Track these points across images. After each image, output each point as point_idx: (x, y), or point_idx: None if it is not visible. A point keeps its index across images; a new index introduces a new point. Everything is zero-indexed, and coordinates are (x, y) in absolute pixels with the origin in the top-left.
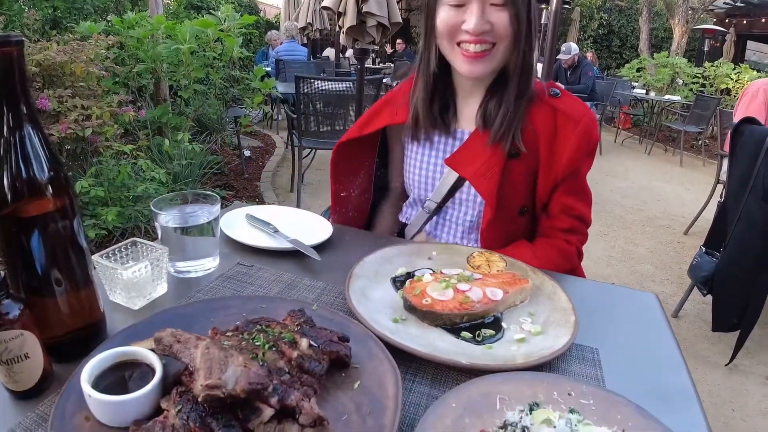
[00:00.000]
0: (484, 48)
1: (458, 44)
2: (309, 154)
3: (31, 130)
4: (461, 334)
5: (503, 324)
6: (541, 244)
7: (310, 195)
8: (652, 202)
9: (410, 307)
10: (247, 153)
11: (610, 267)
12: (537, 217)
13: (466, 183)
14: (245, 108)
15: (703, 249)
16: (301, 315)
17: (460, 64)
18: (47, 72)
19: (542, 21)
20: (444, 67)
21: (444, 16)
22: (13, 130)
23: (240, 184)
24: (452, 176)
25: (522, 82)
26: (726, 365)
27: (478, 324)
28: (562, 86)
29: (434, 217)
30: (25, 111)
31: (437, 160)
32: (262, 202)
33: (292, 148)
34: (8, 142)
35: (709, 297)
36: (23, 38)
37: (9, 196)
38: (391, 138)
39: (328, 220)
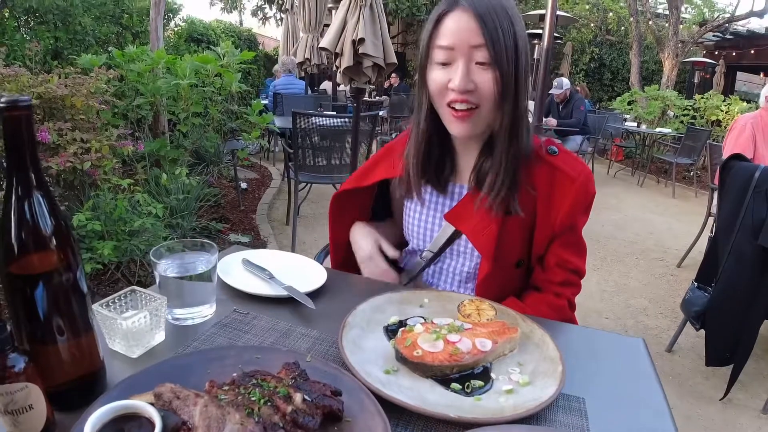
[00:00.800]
0: (469, 107)
1: (448, 105)
2: (305, 187)
3: (38, 195)
4: (451, 386)
5: (492, 374)
6: (531, 299)
7: (305, 228)
8: (644, 235)
9: (402, 359)
10: (243, 185)
11: (603, 301)
12: (532, 268)
13: (463, 236)
14: (243, 140)
15: (695, 284)
16: (295, 368)
17: (449, 124)
18: (47, 104)
19: (534, 56)
20: (440, 125)
21: (434, 75)
22: (20, 196)
23: (236, 217)
24: (450, 229)
25: (511, 143)
26: (720, 399)
27: (468, 374)
28: (560, 142)
29: (432, 266)
30: (32, 176)
31: (436, 213)
32: (257, 235)
33: (288, 181)
34: (15, 205)
35: (703, 331)
36: (32, 101)
37: (15, 254)
38: (393, 188)
39: (322, 262)
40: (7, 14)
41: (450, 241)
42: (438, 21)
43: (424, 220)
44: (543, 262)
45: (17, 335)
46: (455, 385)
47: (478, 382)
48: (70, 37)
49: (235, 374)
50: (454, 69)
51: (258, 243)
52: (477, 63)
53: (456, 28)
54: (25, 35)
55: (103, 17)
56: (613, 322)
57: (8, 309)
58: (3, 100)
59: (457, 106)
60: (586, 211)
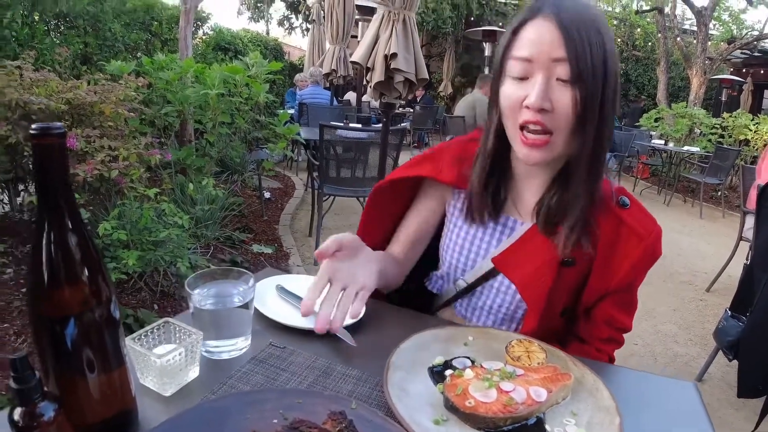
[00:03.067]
0: (543, 132)
1: (521, 128)
2: (328, 198)
3: (71, 232)
4: None
5: (547, 426)
6: (574, 351)
7: None
8: (672, 256)
9: (452, 408)
10: (267, 195)
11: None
12: (577, 317)
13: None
14: (268, 150)
15: (729, 312)
16: (342, 419)
17: (519, 149)
18: (76, 111)
19: None
20: (505, 146)
21: (507, 90)
22: (52, 230)
23: (259, 227)
24: (490, 264)
25: (588, 176)
26: None
27: (521, 426)
28: (633, 195)
29: (464, 299)
30: (64, 205)
31: (482, 243)
32: (280, 246)
33: (312, 192)
34: (46, 243)
35: (734, 361)
36: (65, 129)
37: (46, 295)
38: (423, 194)
39: None
40: (37, 18)
41: (487, 276)
42: (516, 30)
43: (467, 248)
44: (589, 315)
45: (44, 374)
46: None
47: None
48: (99, 42)
49: (275, 421)
50: (531, 84)
51: (281, 254)
52: (558, 80)
53: (536, 38)
54: (55, 39)
55: (132, 24)
56: (643, 348)
57: (36, 348)
58: (34, 126)
59: (531, 128)
60: (647, 271)
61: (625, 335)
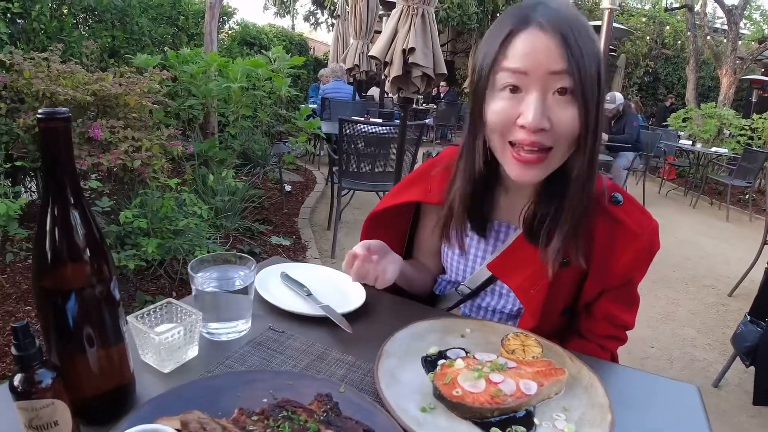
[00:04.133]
0: (538, 155)
1: (510, 143)
2: (347, 193)
3: (73, 210)
4: (491, 430)
5: (535, 420)
6: (575, 347)
7: (346, 234)
8: (695, 259)
9: (440, 396)
10: (288, 188)
11: (650, 328)
12: (578, 313)
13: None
14: (290, 144)
15: (748, 317)
16: (328, 400)
17: (510, 167)
18: (101, 102)
19: None
20: (491, 162)
21: (496, 106)
22: (56, 210)
23: (278, 219)
24: (488, 270)
25: (584, 191)
26: None
27: (510, 418)
28: (625, 190)
29: (469, 301)
30: (68, 187)
31: (478, 251)
32: (298, 239)
33: (332, 186)
34: (50, 219)
35: (752, 368)
36: (70, 114)
37: (48, 267)
38: (424, 217)
39: None
40: (65, 12)
41: (488, 282)
42: (506, 41)
43: (465, 256)
44: (589, 310)
45: (47, 346)
46: (495, 430)
47: (520, 428)
48: (126, 36)
49: (265, 400)
50: (526, 101)
51: (299, 247)
52: (555, 93)
53: (531, 49)
54: (83, 33)
55: (159, 18)
56: (659, 351)
57: (39, 321)
58: (41, 111)
59: (524, 154)
60: (646, 266)
61: (642, 339)
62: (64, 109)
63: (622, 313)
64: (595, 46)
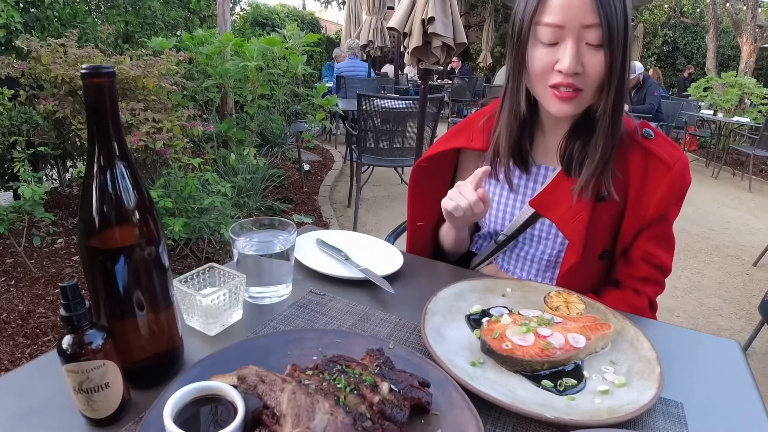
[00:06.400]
0: (573, 92)
1: (551, 86)
2: (367, 170)
3: (121, 167)
4: (542, 382)
5: (585, 373)
6: (610, 297)
7: (366, 210)
8: (719, 230)
9: (489, 351)
10: (306, 167)
11: (675, 299)
12: (615, 260)
13: (545, 220)
14: (307, 123)
15: None
16: (380, 355)
17: (549, 104)
18: (120, 85)
19: None
20: (531, 105)
21: (537, 54)
22: (102, 167)
23: (299, 198)
24: (529, 211)
25: (610, 128)
26: None
27: (559, 371)
28: (656, 126)
29: (507, 252)
30: (115, 146)
31: (517, 195)
32: (320, 216)
33: (351, 164)
34: (97, 177)
35: None
36: (114, 69)
37: (96, 227)
38: (463, 166)
39: (392, 244)
40: None
41: (527, 224)
42: None
43: (504, 202)
44: (627, 255)
45: (95, 310)
46: (546, 383)
47: (571, 381)
48: (140, 21)
49: (315, 357)
50: (562, 49)
51: (320, 224)
52: (587, 44)
53: (567, 4)
54: (96, 19)
55: (171, 2)
56: (685, 320)
57: (87, 283)
58: (85, 67)
59: (562, 89)
60: (680, 201)
61: (667, 310)
62: (108, 64)
63: (658, 251)
64: (625, 1)
